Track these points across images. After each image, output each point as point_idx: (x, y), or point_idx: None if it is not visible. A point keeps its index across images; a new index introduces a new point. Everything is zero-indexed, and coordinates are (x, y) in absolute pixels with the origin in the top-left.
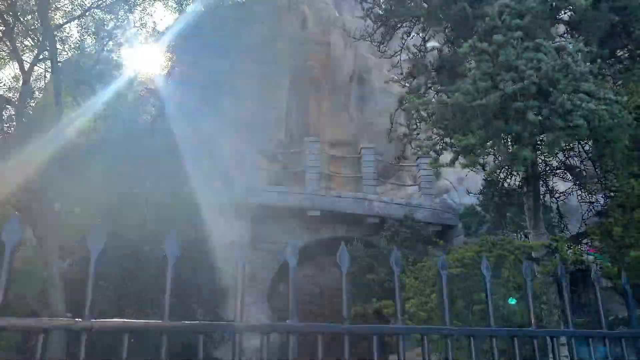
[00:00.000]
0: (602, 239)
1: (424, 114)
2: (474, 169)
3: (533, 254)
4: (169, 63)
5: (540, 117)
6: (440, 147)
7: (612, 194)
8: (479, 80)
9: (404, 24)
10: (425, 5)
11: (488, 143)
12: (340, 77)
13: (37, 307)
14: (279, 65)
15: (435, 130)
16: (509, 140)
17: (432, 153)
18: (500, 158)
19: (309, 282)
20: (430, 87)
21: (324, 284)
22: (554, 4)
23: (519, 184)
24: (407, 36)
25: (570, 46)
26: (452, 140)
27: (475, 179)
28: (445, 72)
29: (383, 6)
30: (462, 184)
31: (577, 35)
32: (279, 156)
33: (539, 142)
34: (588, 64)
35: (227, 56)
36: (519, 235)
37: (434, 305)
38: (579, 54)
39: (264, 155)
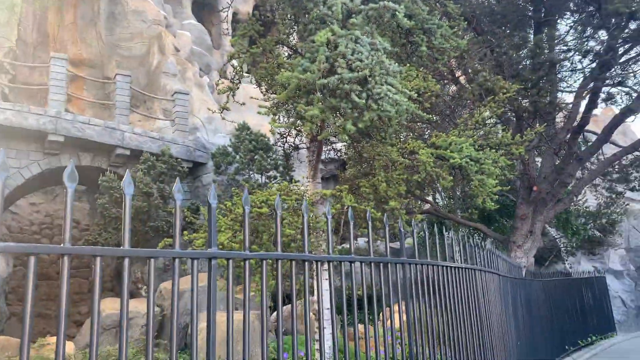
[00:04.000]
0: (371, 192)
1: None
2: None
3: (306, 197)
4: None
5: (362, 100)
6: (276, 108)
7: (376, 157)
8: (321, 63)
9: None
10: None
11: (323, 114)
12: None
13: None
14: None
15: (272, 94)
16: (336, 114)
17: (262, 110)
18: (296, 119)
19: (37, 210)
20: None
21: (56, 214)
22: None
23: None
24: None
25: (378, 43)
26: (297, 108)
27: (223, 121)
28: (277, 44)
29: None
30: (211, 123)
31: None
32: (8, 67)
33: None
34: (395, 63)
35: None
36: (263, 177)
37: (243, 238)
38: (384, 50)
39: None
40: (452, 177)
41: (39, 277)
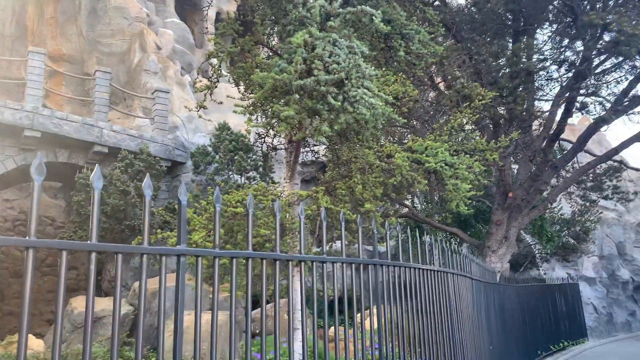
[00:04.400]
0: (347, 194)
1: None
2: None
3: (278, 197)
4: None
5: (338, 102)
6: (253, 108)
7: (353, 159)
8: (298, 64)
9: None
10: None
11: (299, 115)
12: None
13: None
14: None
15: (249, 94)
16: (313, 115)
17: (239, 109)
18: (272, 120)
19: (11, 207)
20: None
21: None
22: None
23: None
24: None
25: (355, 47)
26: (273, 108)
27: (204, 121)
28: (255, 45)
29: None
30: (191, 122)
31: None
32: None
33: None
34: (372, 67)
35: None
36: (242, 178)
37: (220, 237)
38: (362, 53)
39: None
40: (427, 181)
41: (12, 274)
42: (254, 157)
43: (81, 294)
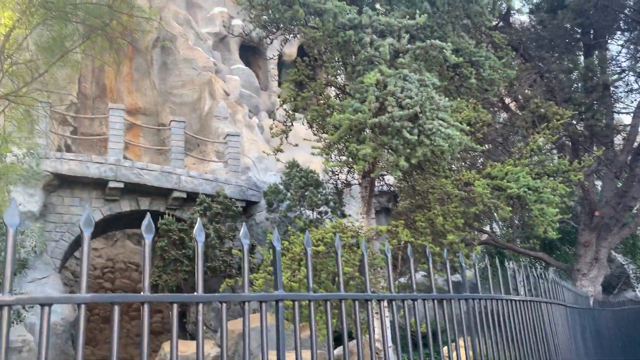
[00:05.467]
0: (428, 226)
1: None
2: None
3: (363, 235)
4: None
5: (414, 136)
6: (330, 149)
7: (430, 190)
8: (371, 103)
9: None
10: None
11: (375, 152)
12: (142, 41)
13: None
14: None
15: (323, 134)
16: (387, 151)
17: (316, 151)
18: (349, 158)
19: (99, 255)
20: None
21: (117, 258)
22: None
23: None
24: (284, 43)
25: (426, 79)
26: (349, 148)
27: (273, 160)
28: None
29: (272, 16)
30: (262, 162)
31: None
32: (70, 119)
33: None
34: (445, 98)
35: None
36: (314, 213)
37: (302, 277)
38: (433, 85)
39: (53, 117)
40: (510, 208)
41: (103, 320)
42: (324, 191)
43: (168, 337)
